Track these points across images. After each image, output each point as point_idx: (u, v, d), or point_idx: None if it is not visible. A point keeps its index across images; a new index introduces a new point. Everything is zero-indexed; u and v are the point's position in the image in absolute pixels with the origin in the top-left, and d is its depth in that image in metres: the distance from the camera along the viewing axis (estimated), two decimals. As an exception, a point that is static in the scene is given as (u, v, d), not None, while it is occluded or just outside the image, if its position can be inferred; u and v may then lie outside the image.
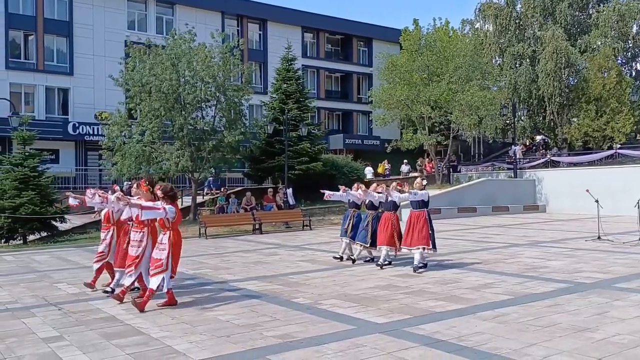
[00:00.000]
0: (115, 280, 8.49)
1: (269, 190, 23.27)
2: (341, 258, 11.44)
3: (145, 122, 21.04)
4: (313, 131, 27.69)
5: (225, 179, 31.66)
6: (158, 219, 7.42)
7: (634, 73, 36.57)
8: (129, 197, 8.18)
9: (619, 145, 29.88)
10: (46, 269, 11.57)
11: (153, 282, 7.33)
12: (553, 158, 30.22)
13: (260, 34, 39.83)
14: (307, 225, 19.77)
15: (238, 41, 23.85)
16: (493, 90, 30.55)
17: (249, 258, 12.50)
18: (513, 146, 29.94)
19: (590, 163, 27.86)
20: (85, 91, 32.30)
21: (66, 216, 18.93)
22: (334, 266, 10.83)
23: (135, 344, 5.76)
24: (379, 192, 10.94)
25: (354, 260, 11.13)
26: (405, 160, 33.10)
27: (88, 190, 9.00)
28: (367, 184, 12.86)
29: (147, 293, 7.36)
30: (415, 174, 29.02)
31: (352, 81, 44.02)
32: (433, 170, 30.28)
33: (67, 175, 29.33)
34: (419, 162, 33.56)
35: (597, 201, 14.00)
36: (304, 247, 14.51)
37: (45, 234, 18.66)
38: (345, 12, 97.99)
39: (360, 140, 40.73)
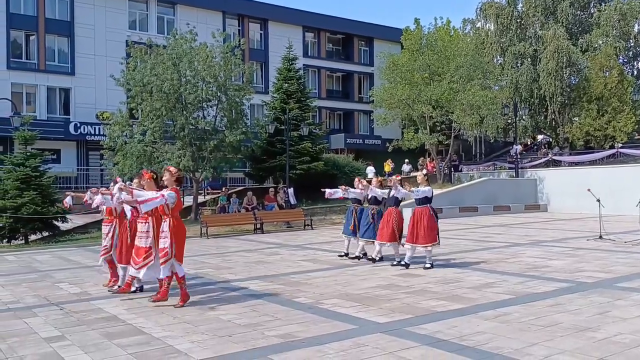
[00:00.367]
0: (120, 278, 8.46)
1: (270, 189, 23.27)
2: (346, 255, 11.50)
3: (147, 122, 21.06)
4: (314, 131, 27.69)
5: (227, 179, 31.68)
6: (159, 207, 7.38)
7: (635, 72, 36.54)
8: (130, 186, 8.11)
9: (621, 145, 29.89)
10: (48, 269, 11.58)
11: (164, 272, 7.38)
12: (554, 157, 30.23)
13: (261, 34, 39.85)
14: (308, 225, 19.77)
15: (239, 41, 23.87)
16: (494, 90, 30.54)
17: (251, 258, 12.50)
18: (514, 145, 29.95)
19: (592, 162, 27.86)
20: (87, 91, 32.34)
21: (68, 216, 18.94)
22: (336, 266, 10.83)
23: (137, 343, 5.76)
24: (382, 188, 11.00)
25: (373, 260, 10.89)
26: (406, 160, 33.07)
27: (89, 191, 9.00)
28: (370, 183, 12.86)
29: (164, 283, 7.44)
30: (417, 174, 28.97)
31: (353, 81, 44.02)
32: (434, 169, 30.28)
33: (68, 175, 29.36)
34: (420, 162, 33.54)
35: (598, 200, 13.98)
36: (306, 246, 14.50)
37: (46, 233, 18.69)
38: (347, 12, 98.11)
39: (361, 140, 40.74)
